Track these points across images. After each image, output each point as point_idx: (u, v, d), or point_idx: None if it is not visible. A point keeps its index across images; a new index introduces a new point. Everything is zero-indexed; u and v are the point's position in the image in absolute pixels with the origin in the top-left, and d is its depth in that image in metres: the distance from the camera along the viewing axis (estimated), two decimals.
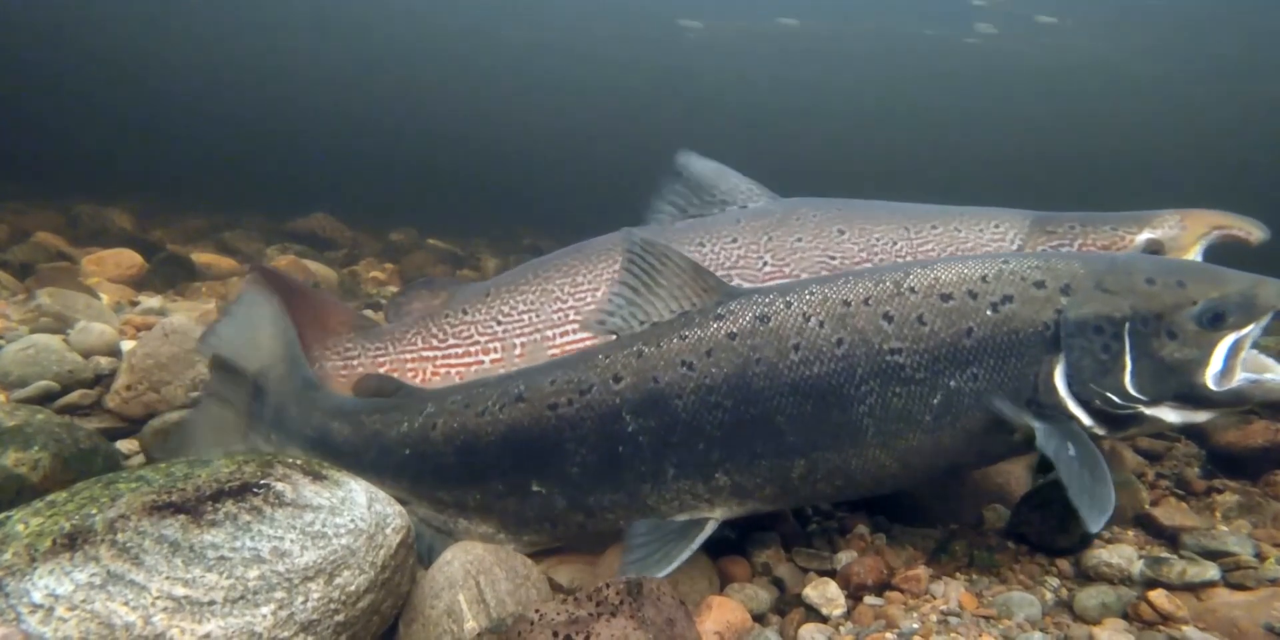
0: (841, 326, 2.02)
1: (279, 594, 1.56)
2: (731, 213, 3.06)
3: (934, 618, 2.01)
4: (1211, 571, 2.09)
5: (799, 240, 2.85)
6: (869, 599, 2.11)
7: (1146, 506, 2.58)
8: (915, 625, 1.98)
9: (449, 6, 19.07)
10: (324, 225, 10.28)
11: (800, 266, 2.81)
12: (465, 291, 3.18)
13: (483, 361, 2.99)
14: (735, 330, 2.08)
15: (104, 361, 3.55)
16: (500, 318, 3.01)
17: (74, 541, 1.53)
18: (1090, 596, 2.04)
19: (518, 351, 2.95)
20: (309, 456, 2.39)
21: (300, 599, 1.57)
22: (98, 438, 2.68)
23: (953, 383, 1.98)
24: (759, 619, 2.06)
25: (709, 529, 2.08)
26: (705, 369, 2.05)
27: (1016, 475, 2.68)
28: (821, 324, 2.03)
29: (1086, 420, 1.99)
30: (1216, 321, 1.93)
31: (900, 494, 2.59)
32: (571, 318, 2.93)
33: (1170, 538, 2.41)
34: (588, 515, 2.20)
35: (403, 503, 2.13)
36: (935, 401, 1.98)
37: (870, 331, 2.01)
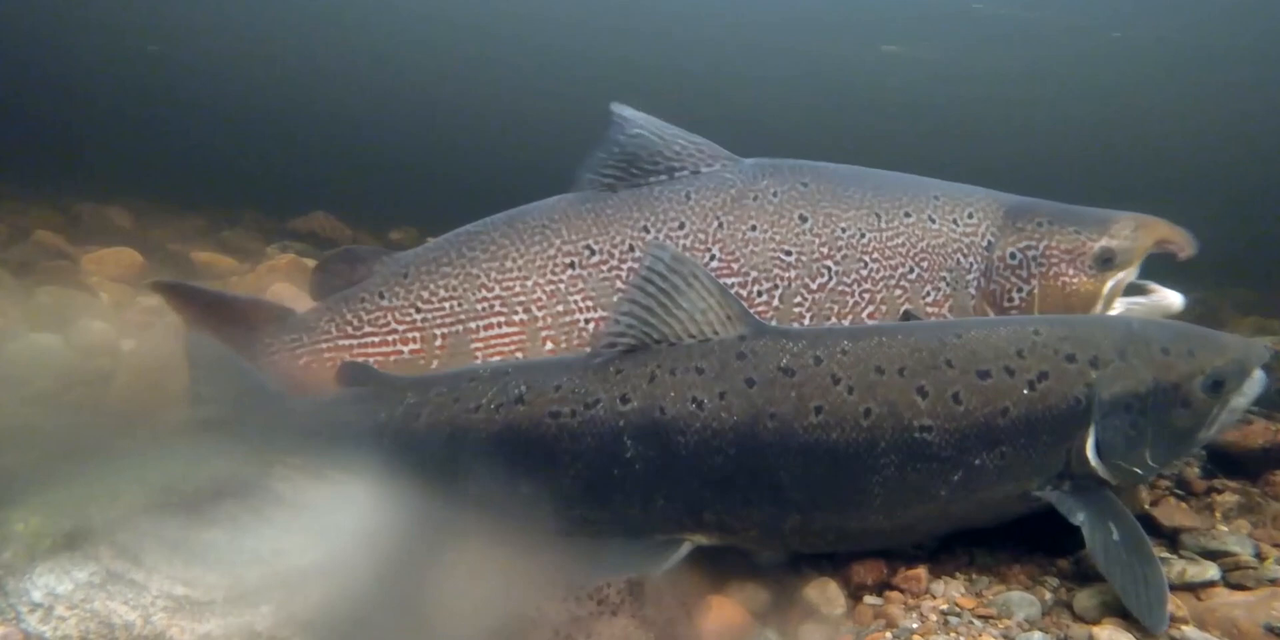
0: (871, 396, 1.95)
1: (279, 593, 1.56)
2: (682, 182, 2.69)
3: (934, 617, 2.01)
4: (1211, 571, 2.09)
5: (753, 230, 2.59)
6: (868, 598, 2.11)
7: (1146, 506, 2.58)
8: (915, 624, 1.98)
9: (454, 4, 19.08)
10: (324, 224, 10.27)
11: (751, 264, 2.56)
12: (383, 270, 2.86)
13: (401, 352, 2.76)
14: (755, 378, 2.00)
15: (104, 361, 3.55)
16: (420, 304, 2.73)
17: (74, 541, 1.53)
18: (1090, 596, 2.04)
19: (439, 343, 2.70)
20: (296, 462, 2.33)
21: (300, 598, 1.58)
22: None
23: (978, 461, 1.95)
24: (759, 618, 2.06)
25: (683, 551, 2.04)
26: (715, 411, 1.99)
27: None
28: (851, 390, 1.96)
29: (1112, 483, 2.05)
30: (1218, 388, 2.03)
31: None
32: (497, 309, 2.65)
33: (1170, 538, 2.41)
34: (570, 525, 2.16)
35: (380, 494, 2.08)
36: (955, 478, 1.96)
37: (902, 405, 1.94)
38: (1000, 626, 1.96)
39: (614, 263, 2.62)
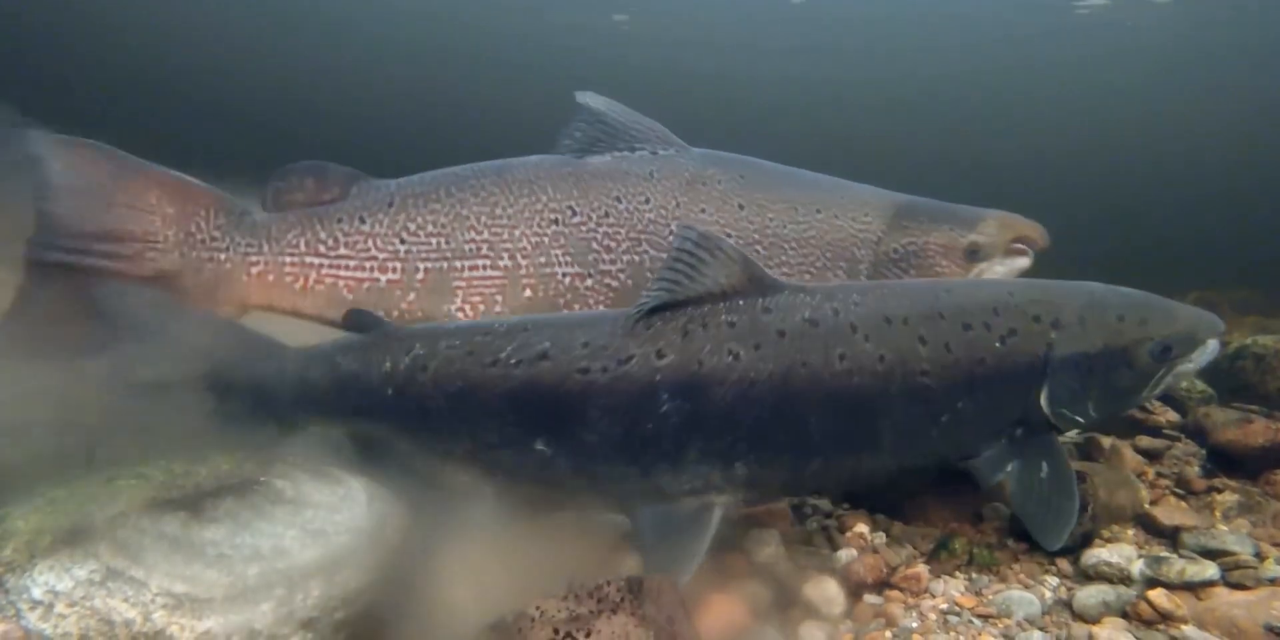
0: (884, 344, 2.12)
1: (279, 591, 1.56)
2: (645, 161, 2.98)
3: (933, 616, 2.01)
4: (1211, 571, 2.09)
5: (703, 212, 2.90)
6: (869, 597, 2.11)
7: (1146, 505, 2.58)
8: (914, 623, 1.98)
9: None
10: None
11: None
12: (364, 194, 2.84)
13: (378, 280, 2.75)
14: (785, 329, 2.11)
15: None
16: (405, 235, 2.76)
17: (74, 538, 1.53)
18: (1090, 595, 2.04)
19: (420, 276, 2.74)
20: (294, 418, 2.31)
21: (300, 596, 1.58)
22: None
23: (961, 404, 2.16)
24: (759, 617, 2.06)
25: (717, 516, 2.09)
26: (752, 362, 2.06)
27: None
28: (867, 338, 2.12)
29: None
30: (1165, 354, 2.28)
31: (900, 493, 2.59)
32: (484, 252, 2.74)
33: (1170, 537, 2.41)
34: (590, 482, 2.16)
35: (383, 448, 2.13)
36: (945, 419, 2.16)
37: (908, 352, 2.12)
38: (1000, 625, 1.97)
39: (591, 225, 2.83)
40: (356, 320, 2.49)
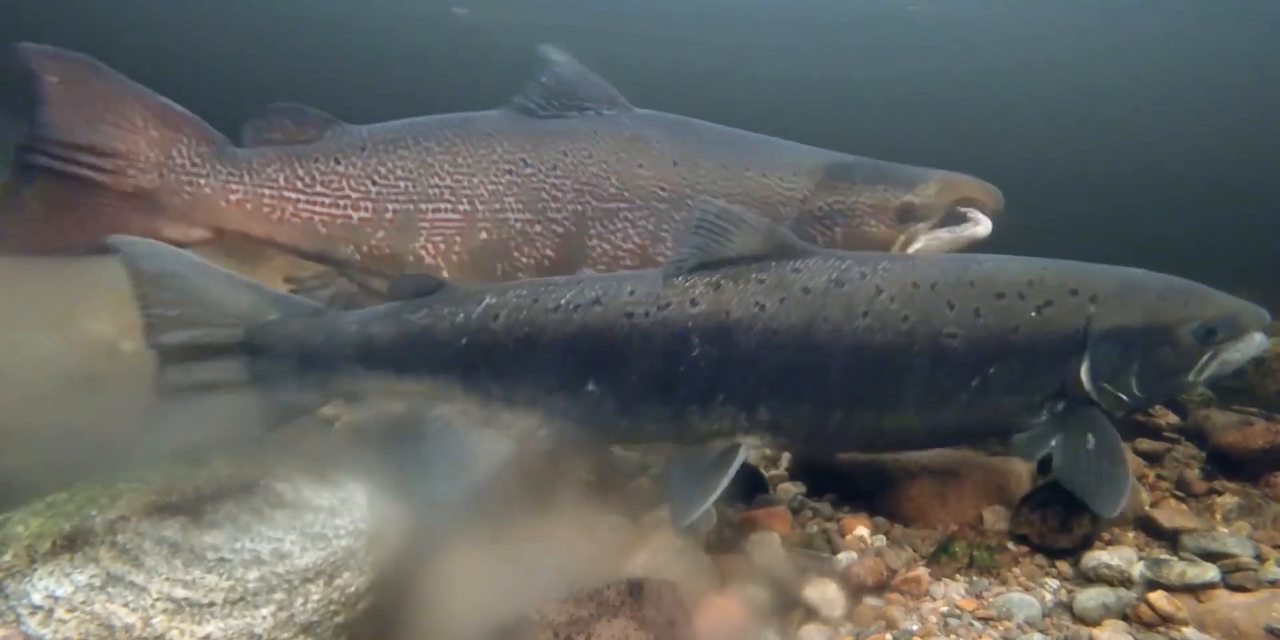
0: (909, 305, 2.22)
1: (279, 595, 1.56)
2: (589, 121, 3.19)
3: (934, 619, 2.01)
4: (1211, 573, 2.09)
5: (640, 167, 3.08)
6: (869, 600, 2.11)
7: (1146, 508, 2.58)
8: (915, 626, 1.98)
9: None
10: None
11: (638, 194, 3.07)
12: (338, 137, 3.07)
13: (350, 217, 2.97)
14: (810, 286, 2.27)
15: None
16: (376, 178, 3.00)
17: (74, 543, 1.53)
18: (1090, 598, 2.04)
19: (389, 216, 2.98)
20: (353, 376, 2.43)
21: (300, 600, 1.57)
22: None
23: (992, 369, 2.22)
24: (759, 619, 2.06)
25: (740, 457, 2.24)
26: (776, 313, 2.24)
27: (1016, 476, 2.68)
28: (892, 299, 2.23)
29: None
30: (1209, 337, 2.26)
31: (900, 495, 2.59)
32: (446, 196, 3.00)
33: (1170, 539, 2.42)
34: (633, 422, 2.33)
35: (448, 400, 2.31)
36: (974, 383, 2.22)
37: (934, 314, 2.22)
38: (1000, 628, 1.97)
39: (541, 176, 3.05)
40: (412, 284, 2.59)
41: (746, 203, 3.08)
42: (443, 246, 3.00)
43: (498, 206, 3.02)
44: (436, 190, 3.01)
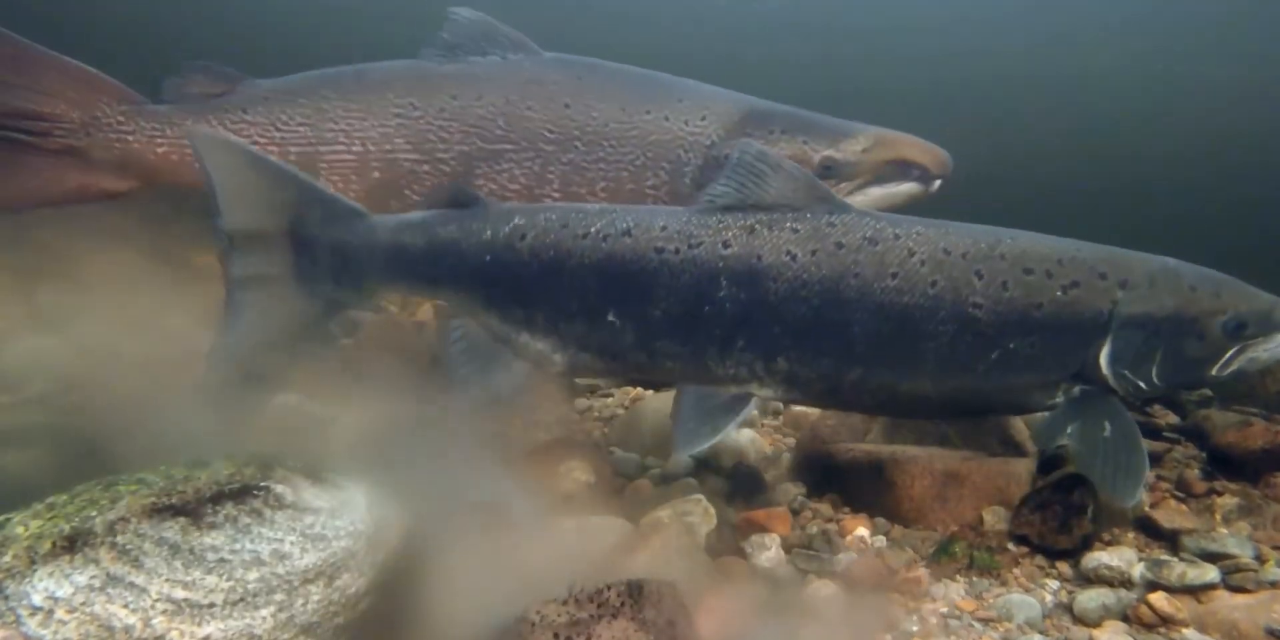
0: (939, 270, 2.23)
1: (279, 596, 1.56)
2: (489, 65, 3.29)
3: (934, 619, 2.01)
4: (1211, 574, 2.09)
5: (529, 110, 3.15)
6: (869, 600, 2.11)
7: (1146, 509, 2.59)
8: (915, 627, 1.98)
9: None
10: None
11: (523, 136, 3.13)
12: (245, 90, 3.30)
13: None
14: (844, 242, 2.26)
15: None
16: (279, 124, 3.21)
17: (74, 544, 1.52)
18: (1090, 599, 2.05)
19: (291, 158, 3.15)
20: (383, 280, 2.52)
21: (300, 601, 1.57)
22: None
23: (1013, 344, 2.21)
24: (759, 620, 2.06)
25: (750, 406, 2.28)
26: (806, 264, 2.24)
27: (1017, 477, 2.68)
28: (923, 263, 2.24)
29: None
30: (1239, 331, 2.22)
31: (900, 495, 2.59)
32: (340, 140, 3.18)
33: (1170, 540, 2.42)
34: (649, 357, 2.34)
35: (471, 314, 2.40)
36: (994, 356, 2.21)
37: (962, 282, 2.22)
38: (1000, 629, 1.97)
39: (429, 119, 3.19)
40: (453, 195, 2.65)
41: (640, 146, 3.11)
42: (341, 185, 3.18)
43: (388, 147, 3.19)
44: (332, 134, 3.20)
